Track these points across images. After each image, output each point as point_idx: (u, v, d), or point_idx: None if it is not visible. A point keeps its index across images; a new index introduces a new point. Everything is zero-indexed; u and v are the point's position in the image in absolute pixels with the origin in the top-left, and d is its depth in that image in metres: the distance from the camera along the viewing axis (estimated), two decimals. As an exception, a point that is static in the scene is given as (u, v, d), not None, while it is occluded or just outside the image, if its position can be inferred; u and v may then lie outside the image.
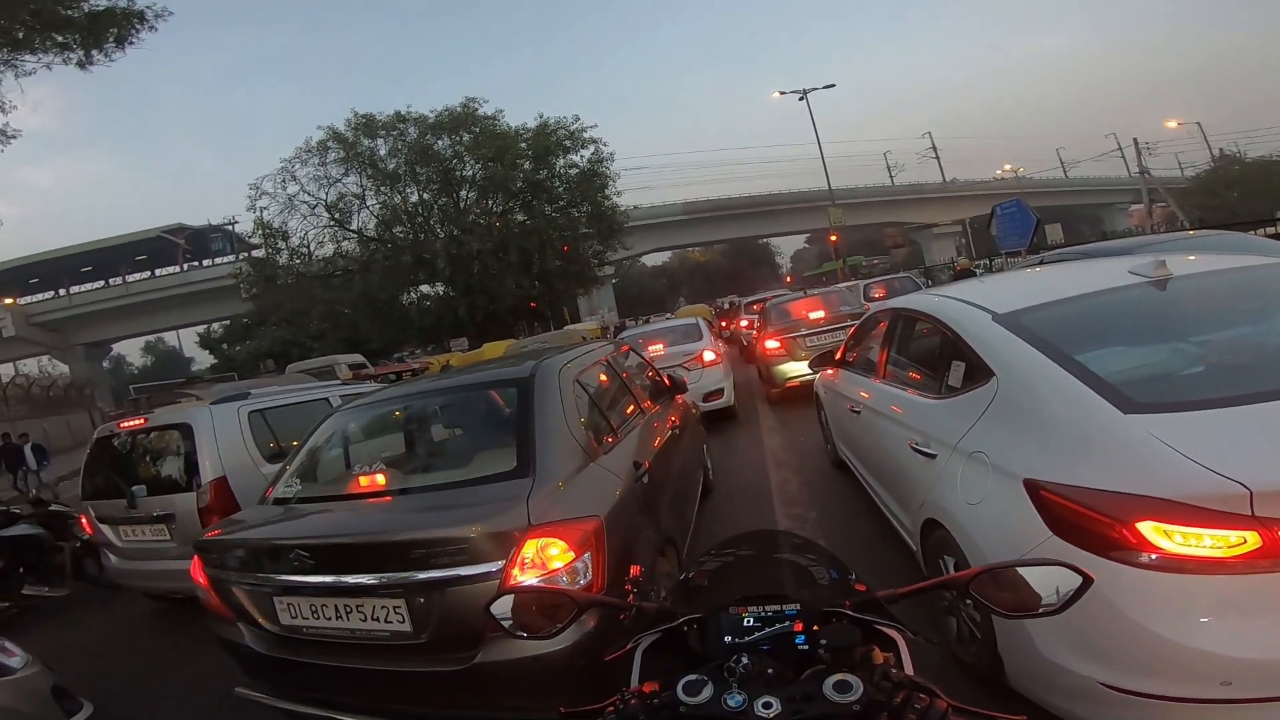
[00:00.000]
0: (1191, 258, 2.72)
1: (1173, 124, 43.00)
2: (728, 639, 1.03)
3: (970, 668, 2.27)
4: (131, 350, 71.66)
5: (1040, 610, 0.95)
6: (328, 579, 2.17)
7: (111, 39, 14.46)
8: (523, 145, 27.90)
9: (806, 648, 1.00)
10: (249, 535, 2.56)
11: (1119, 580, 1.56)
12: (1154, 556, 1.52)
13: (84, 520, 4.73)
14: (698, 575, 1.29)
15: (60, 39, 14.01)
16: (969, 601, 0.96)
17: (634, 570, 1.40)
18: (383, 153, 27.87)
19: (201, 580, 2.54)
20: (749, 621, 1.04)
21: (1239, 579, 1.47)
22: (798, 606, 1.04)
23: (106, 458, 4.61)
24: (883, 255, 32.70)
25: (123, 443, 4.58)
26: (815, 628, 1.01)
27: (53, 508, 5.77)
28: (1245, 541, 1.44)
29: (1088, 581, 0.94)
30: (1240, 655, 1.46)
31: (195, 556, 2.58)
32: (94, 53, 14.51)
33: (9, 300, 39.24)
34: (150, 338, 65.65)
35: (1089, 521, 1.64)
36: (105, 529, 4.49)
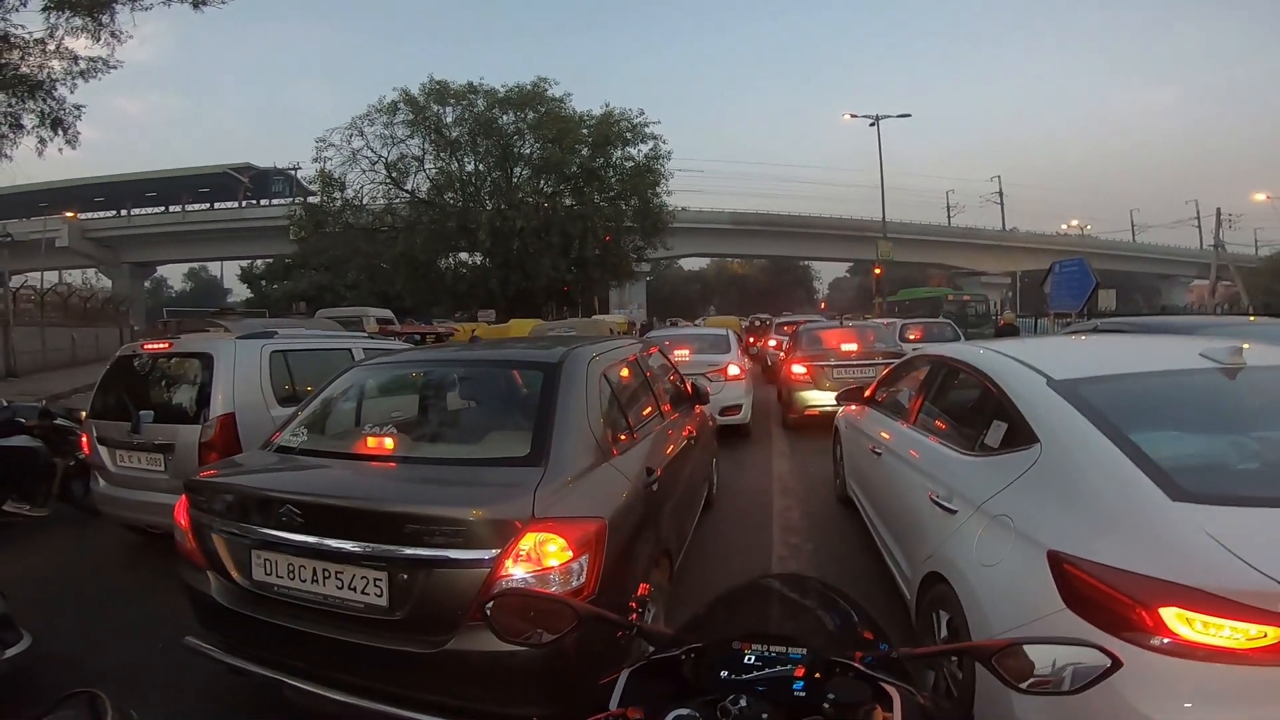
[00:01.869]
0: (1268, 348, 2.59)
1: (1261, 197, 40.70)
2: (723, 674, 0.97)
3: None
4: (174, 275, 73.89)
5: (1056, 688, 0.91)
6: (311, 539, 2.08)
7: None
8: (584, 131, 28.23)
9: (804, 695, 0.93)
10: (241, 481, 2.49)
11: (1126, 662, 1.49)
12: (1166, 641, 1.50)
13: (84, 439, 4.63)
14: (705, 606, 1.21)
15: None
16: (954, 659, 0.89)
17: (642, 589, 1.33)
18: (449, 120, 28.45)
19: (183, 522, 2.46)
20: (750, 659, 0.98)
21: (1246, 670, 1.47)
22: (804, 652, 0.98)
23: (123, 378, 4.53)
24: (978, 294, 31.31)
25: (142, 364, 4.51)
26: (817, 676, 0.95)
27: (58, 421, 5.47)
28: (1266, 635, 1.45)
29: (1116, 665, 0.90)
30: None
31: (183, 496, 2.50)
32: None
33: (70, 213, 40.50)
34: (195, 265, 67.61)
35: (1109, 600, 1.61)
36: (102, 451, 4.38)
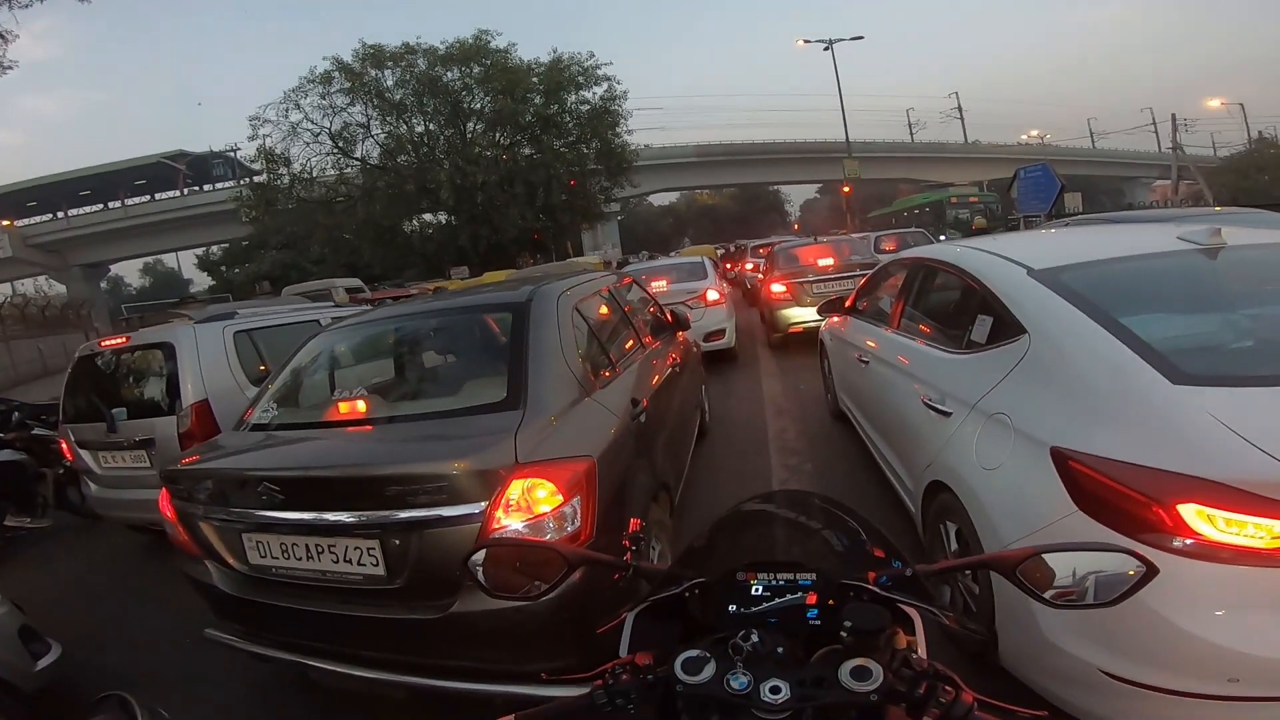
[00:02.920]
0: (1243, 229, 2.54)
1: (1215, 103, 41.60)
2: (732, 609, 0.91)
3: (961, 642, 2.16)
4: (130, 271, 71.46)
5: (1092, 601, 0.84)
6: (297, 516, 2.01)
7: None
8: (534, 80, 27.40)
9: (819, 624, 0.88)
10: (218, 465, 2.40)
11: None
12: (1189, 542, 1.41)
13: (64, 445, 4.51)
14: (702, 536, 1.15)
15: None
16: (969, 573, 0.83)
17: (633, 525, 1.27)
18: (389, 84, 27.32)
19: (169, 514, 2.38)
20: (757, 589, 0.92)
21: (1270, 573, 1.38)
22: (813, 577, 0.92)
23: (87, 378, 4.41)
24: (988, 195, 30.34)
25: (105, 362, 4.38)
26: (830, 602, 0.90)
27: (36, 431, 5.41)
28: None
29: (1152, 571, 0.82)
30: (1253, 652, 1.39)
31: (163, 488, 2.42)
32: None
33: (5, 222, 39.07)
34: (149, 259, 65.57)
35: (1123, 499, 1.52)
36: (85, 455, 4.29)
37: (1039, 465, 1.75)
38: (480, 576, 1.03)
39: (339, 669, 2.04)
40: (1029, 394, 2.00)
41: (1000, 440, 2.00)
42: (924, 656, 0.85)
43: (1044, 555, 0.86)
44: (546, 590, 1.03)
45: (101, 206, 48.05)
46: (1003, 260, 2.49)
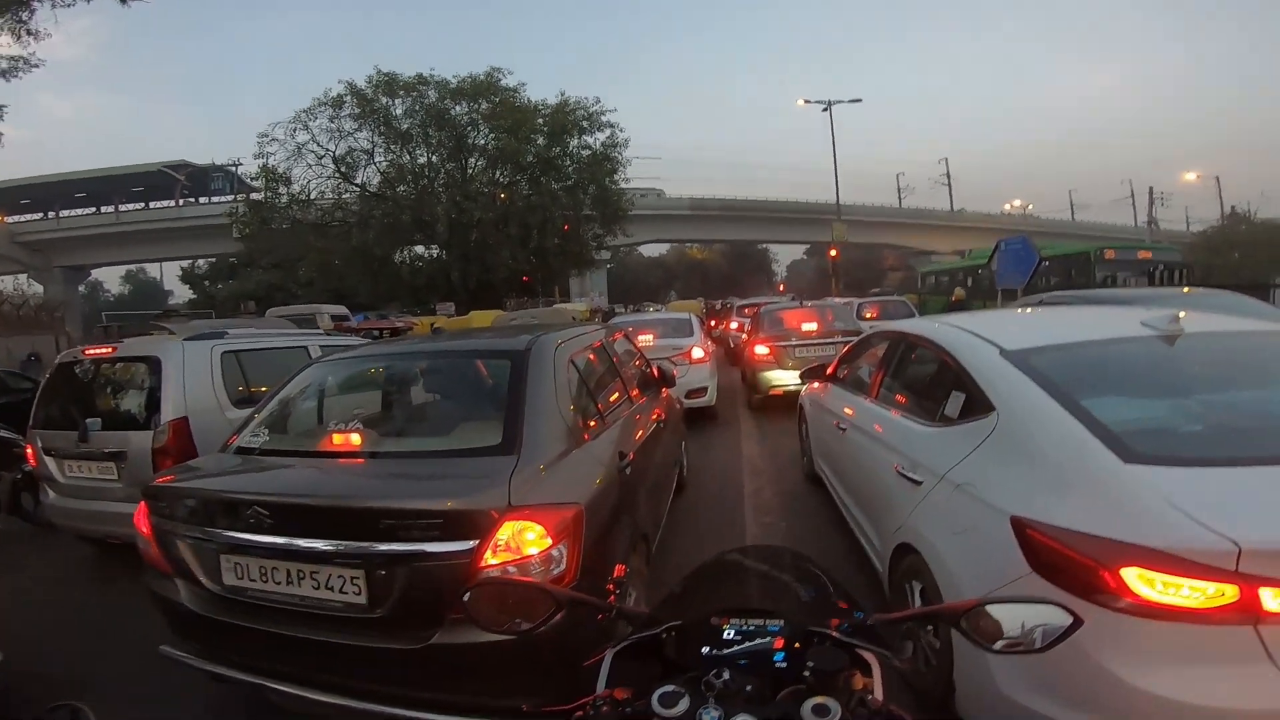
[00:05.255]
0: (1203, 316, 2.73)
1: (1191, 176, 42.39)
2: (705, 650, 0.99)
3: (921, 692, 2.26)
4: (110, 277, 70.85)
5: (1025, 648, 0.93)
6: (283, 540, 2.04)
7: None
8: (540, 121, 27.82)
9: (784, 666, 0.96)
10: (203, 485, 2.41)
11: (1090, 622, 1.56)
12: (1131, 602, 1.55)
13: (29, 450, 4.43)
14: (680, 583, 1.23)
15: None
16: (930, 628, 0.92)
17: (618, 570, 1.34)
18: (398, 112, 27.71)
19: (145, 529, 2.38)
20: (729, 634, 1.00)
21: (1207, 630, 1.52)
22: (781, 623, 1.01)
23: (65, 385, 4.36)
24: (1167, 247, 20.69)
25: (85, 371, 4.35)
26: (796, 646, 0.98)
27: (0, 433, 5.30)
28: (1224, 595, 1.49)
29: (1078, 622, 0.92)
30: (1188, 700, 1.50)
31: (142, 503, 2.41)
32: None
33: None
34: (132, 267, 64.88)
35: (1072, 563, 1.66)
36: (50, 462, 4.21)
37: (999, 531, 1.88)
38: (472, 611, 1.09)
39: (304, 693, 2.01)
40: (994, 467, 2.12)
41: (965, 508, 2.13)
42: (879, 698, 0.93)
43: (986, 607, 0.95)
44: (533, 628, 1.09)
45: (94, 210, 48.02)
46: (977, 339, 2.63)
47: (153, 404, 3.96)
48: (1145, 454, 1.79)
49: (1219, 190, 47.03)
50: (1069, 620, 0.92)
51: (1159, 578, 1.53)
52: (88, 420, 4.03)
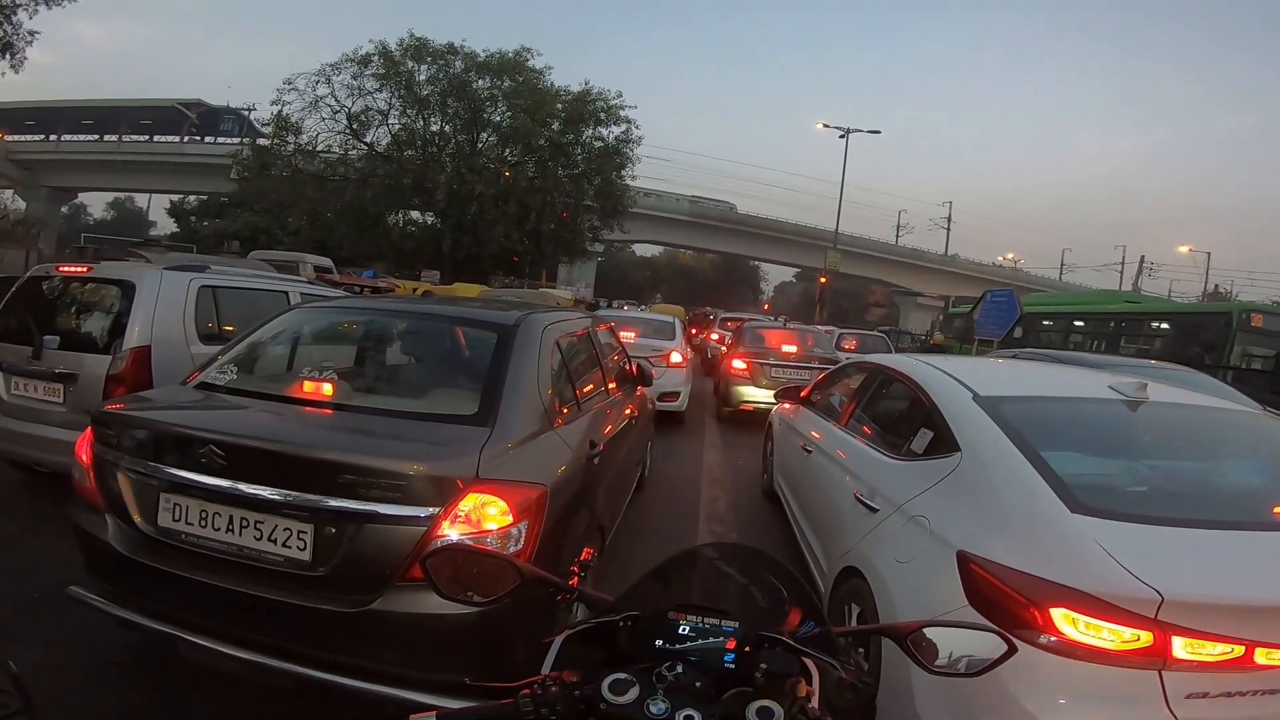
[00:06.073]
0: (1167, 387, 2.86)
1: (1184, 249, 43.19)
2: (658, 643, 1.00)
3: (843, 712, 2.29)
4: (97, 203, 68.94)
5: (964, 671, 0.98)
6: (229, 484, 1.93)
7: None
8: (559, 106, 27.83)
9: (734, 667, 0.98)
10: (156, 416, 2.27)
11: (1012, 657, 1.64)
12: (1053, 639, 1.63)
13: None
14: (647, 573, 1.24)
15: None
16: (861, 650, 0.96)
17: (586, 553, 1.34)
18: (421, 78, 27.55)
19: (84, 458, 2.23)
20: (684, 630, 1.01)
21: (1118, 672, 1.61)
22: (736, 625, 1.02)
23: (31, 299, 4.17)
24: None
25: (53, 287, 4.17)
26: (747, 649, 0.99)
27: None
28: (1139, 639, 1.59)
29: (1011, 649, 0.97)
30: None
31: (89, 428, 2.26)
32: None
33: None
34: (121, 195, 63.33)
35: (1005, 598, 1.75)
36: None
37: (944, 563, 1.96)
38: (434, 574, 1.09)
39: (219, 647, 1.92)
40: (950, 503, 2.20)
41: (916, 538, 2.20)
42: (816, 706, 0.95)
43: (929, 629, 0.99)
44: (492, 600, 1.09)
45: (97, 138, 47.62)
46: (954, 381, 2.72)
47: (117, 329, 3.81)
48: (1091, 506, 1.89)
49: (1207, 265, 47.49)
50: (1004, 648, 0.97)
51: (1083, 619, 1.63)
52: (45, 337, 3.86)
